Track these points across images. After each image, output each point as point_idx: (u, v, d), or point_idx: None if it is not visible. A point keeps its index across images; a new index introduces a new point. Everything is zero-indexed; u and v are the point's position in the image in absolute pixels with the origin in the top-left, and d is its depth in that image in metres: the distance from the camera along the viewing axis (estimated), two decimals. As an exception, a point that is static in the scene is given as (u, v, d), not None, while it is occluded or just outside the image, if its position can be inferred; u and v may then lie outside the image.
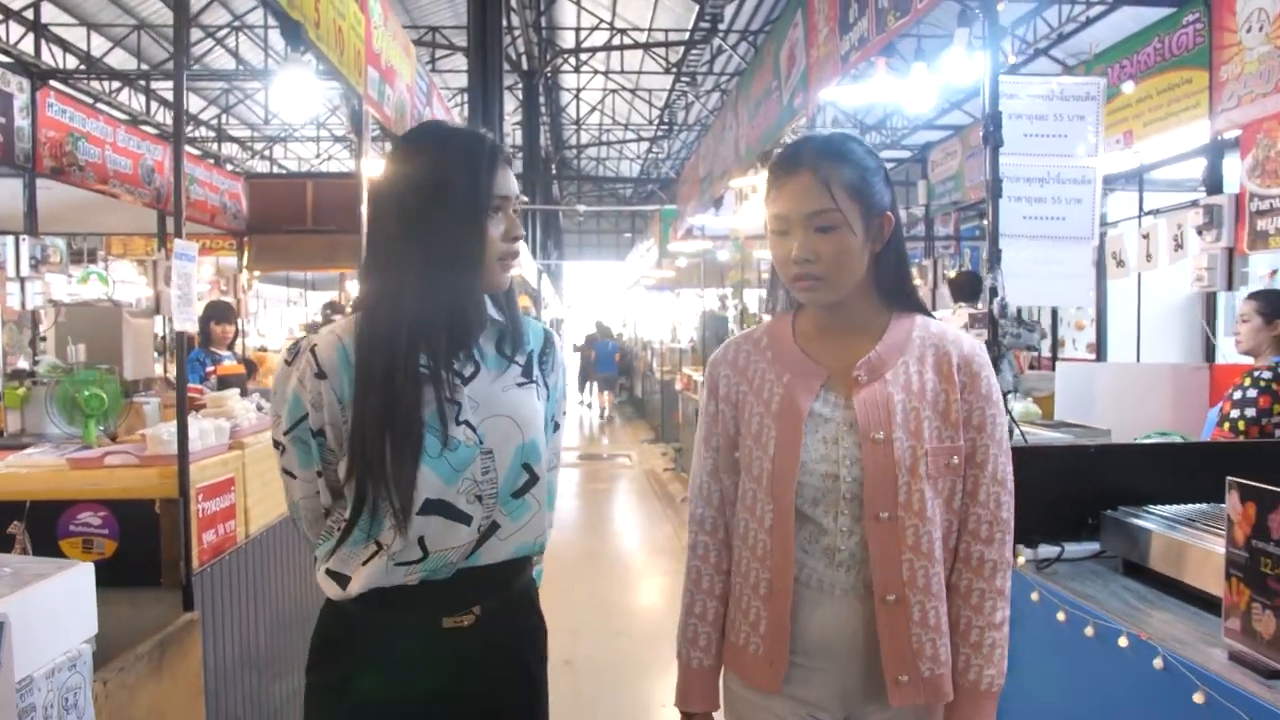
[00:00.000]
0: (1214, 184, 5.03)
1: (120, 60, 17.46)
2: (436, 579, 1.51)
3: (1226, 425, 3.48)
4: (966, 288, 6.54)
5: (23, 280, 5.82)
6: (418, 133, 1.60)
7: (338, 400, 1.48)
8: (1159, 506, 2.50)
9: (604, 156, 31.21)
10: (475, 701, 1.55)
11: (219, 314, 6.23)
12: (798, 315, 1.65)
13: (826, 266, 1.51)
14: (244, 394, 4.16)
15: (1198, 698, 1.76)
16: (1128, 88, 5.76)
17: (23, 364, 6.28)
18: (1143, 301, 9.71)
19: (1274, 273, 4.77)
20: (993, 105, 2.45)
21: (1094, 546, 2.55)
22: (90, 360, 6.30)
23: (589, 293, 36.37)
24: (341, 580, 1.51)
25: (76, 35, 16.08)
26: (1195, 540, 2.18)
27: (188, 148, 10.26)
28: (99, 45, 16.89)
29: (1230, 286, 4.74)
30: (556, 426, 1.73)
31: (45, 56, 14.57)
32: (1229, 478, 1.82)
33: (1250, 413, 3.41)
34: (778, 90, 5.13)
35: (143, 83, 17.60)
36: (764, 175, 5.78)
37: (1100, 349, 12.02)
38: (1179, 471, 2.66)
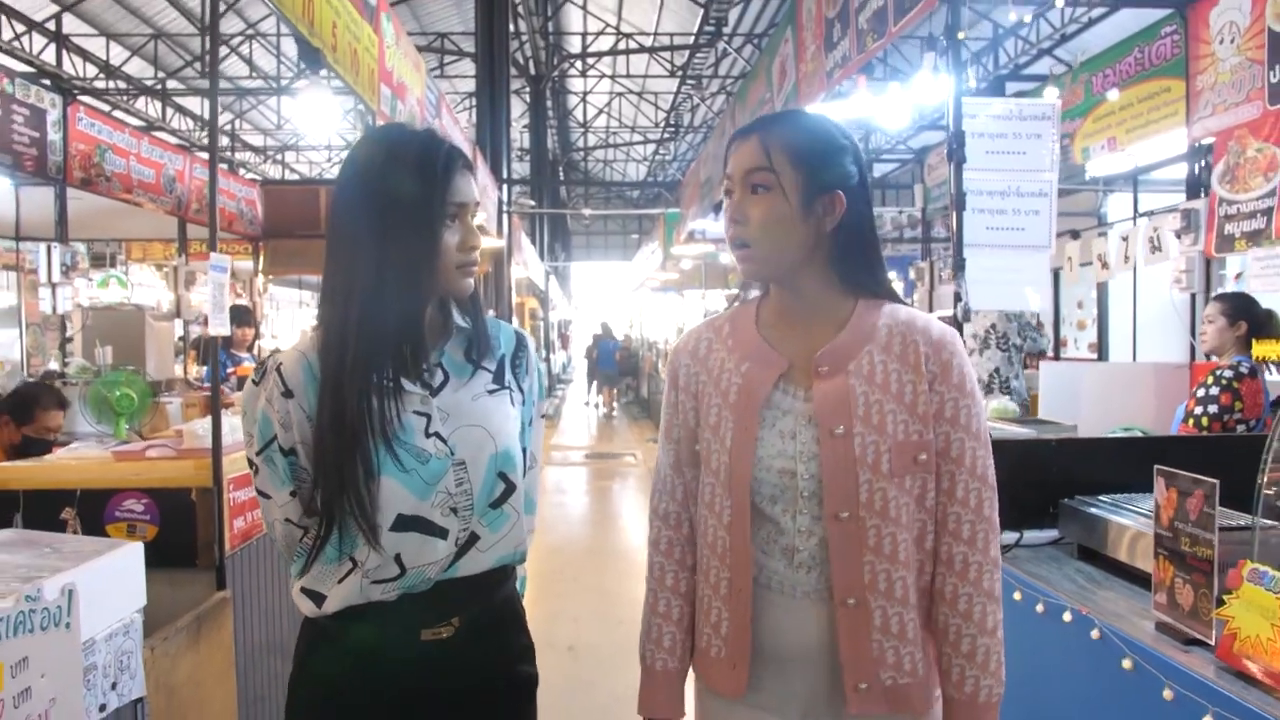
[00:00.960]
0: (1193, 189, 5.23)
1: (138, 69, 17.76)
2: (414, 592, 1.48)
3: (1191, 421, 3.68)
4: None
5: (54, 286, 6.07)
6: (373, 136, 1.55)
7: (307, 418, 1.45)
8: (1113, 495, 2.71)
9: (611, 159, 31.46)
10: (454, 714, 1.51)
11: (239, 317, 6.50)
12: (762, 302, 1.57)
13: (754, 230, 1.44)
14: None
15: (1126, 664, 1.97)
16: (1112, 95, 5.96)
17: (53, 365, 6.56)
18: (1147, 301, 9.86)
19: (1238, 275, 4.96)
20: (956, 125, 2.67)
21: (1053, 533, 2.77)
22: (115, 362, 6.58)
23: (597, 294, 36.57)
24: (317, 598, 1.48)
25: (96, 45, 16.38)
26: (1138, 525, 2.39)
27: (204, 154, 10.50)
28: (117, 54, 17.18)
29: (1207, 288, 4.94)
30: (533, 427, 1.67)
31: (66, 66, 14.88)
32: (1156, 466, 2.03)
33: (1213, 409, 3.61)
34: (770, 101, 5.35)
35: (159, 89, 17.92)
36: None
37: (1101, 348, 12.20)
38: (1133, 463, 2.86)
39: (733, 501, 1.46)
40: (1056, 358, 12.19)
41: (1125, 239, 5.82)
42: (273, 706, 2.99)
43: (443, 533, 1.46)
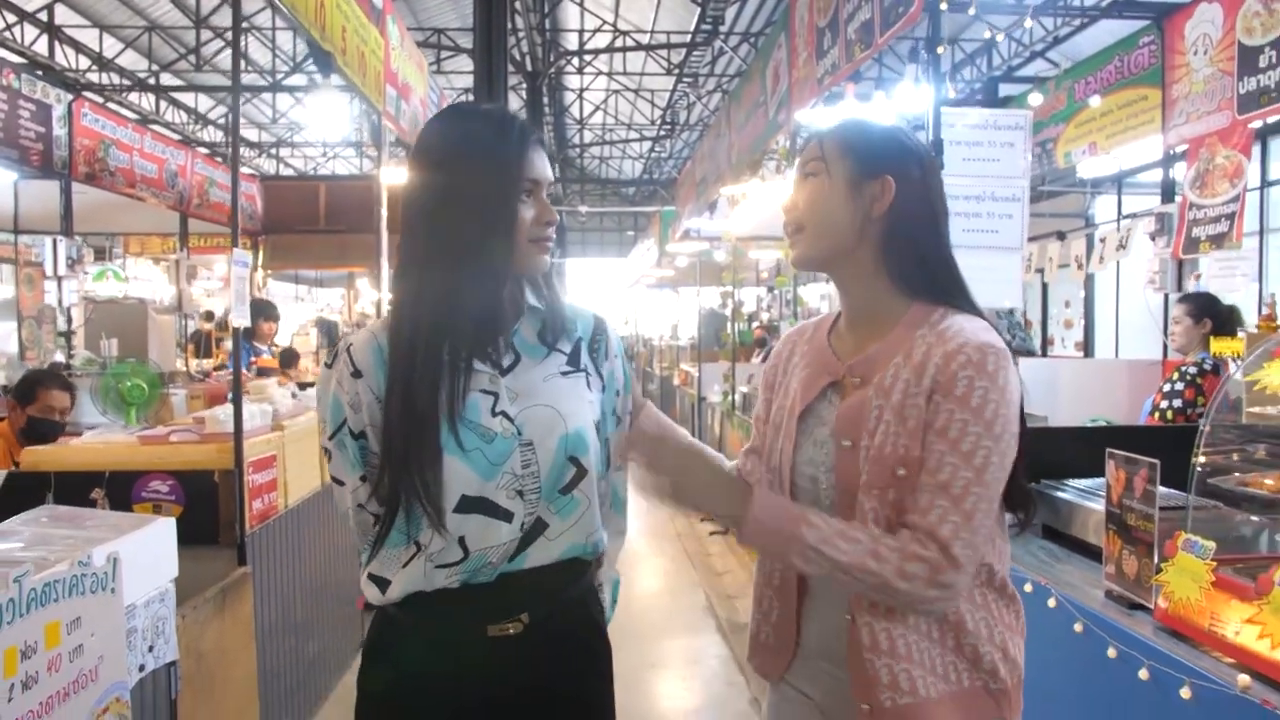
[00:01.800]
0: (1168, 194, 5.42)
1: (131, 60, 17.85)
2: (478, 582, 1.42)
3: (1156, 415, 3.88)
4: None
5: (60, 279, 6.22)
6: (445, 113, 1.55)
7: (376, 399, 1.42)
8: (1076, 480, 2.90)
9: (607, 156, 31.57)
10: (522, 716, 1.45)
11: (264, 311, 6.69)
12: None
13: (802, 212, 1.46)
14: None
15: (1078, 627, 2.17)
16: (1094, 102, 6.15)
17: (59, 357, 6.71)
18: (1132, 301, 10.10)
19: (1197, 276, 5.16)
20: (935, 134, 2.85)
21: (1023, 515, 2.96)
22: (120, 354, 6.74)
23: (592, 289, 36.75)
24: (382, 584, 1.45)
25: (88, 36, 16.47)
26: (1094, 506, 2.58)
27: (200, 149, 10.59)
28: (111, 46, 17.27)
29: (1179, 289, 5.13)
30: (619, 420, 1.59)
31: (59, 57, 14.99)
32: (1108, 450, 2.23)
33: (1177, 404, 3.81)
34: (764, 104, 5.53)
35: (154, 83, 18.04)
36: (753, 182, 6.18)
37: (1088, 346, 12.43)
38: (1098, 451, 3.05)
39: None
40: (1044, 355, 12.38)
41: (1103, 240, 6.02)
42: (289, 681, 3.17)
43: (507, 515, 1.41)
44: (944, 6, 2.81)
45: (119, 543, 2.03)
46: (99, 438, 3.05)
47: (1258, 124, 5.09)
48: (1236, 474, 2.20)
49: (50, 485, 2.70)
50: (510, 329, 1.48)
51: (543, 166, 1.46)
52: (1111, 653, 2.01)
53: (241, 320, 2.82)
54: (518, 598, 1.43)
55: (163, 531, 2.25)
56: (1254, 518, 2.19)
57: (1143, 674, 1.90)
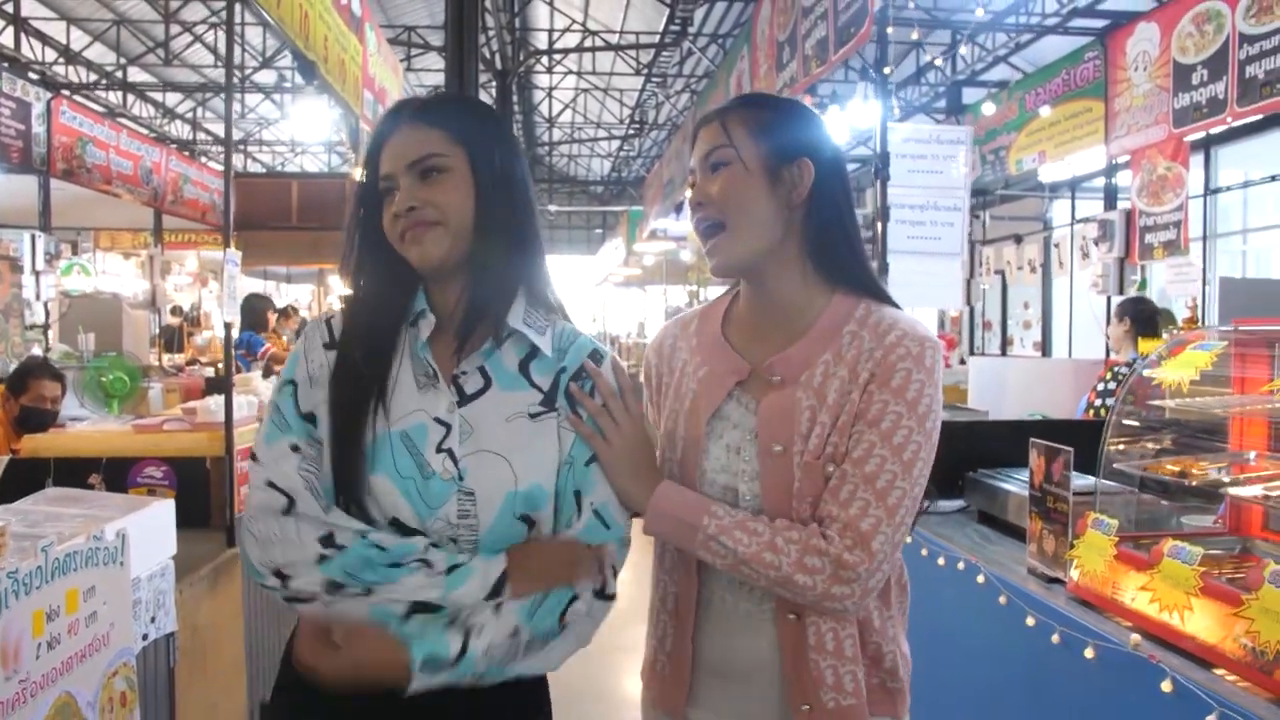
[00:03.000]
0: (1110, 201, 5.71)
1: (99, 54, 17.77)
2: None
3: (1090, 411, 4.15)
4: None
5: (38, 274, 6.31)
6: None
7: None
8: (1011, 470, 3.14)
9: (576, 154, 31.72)
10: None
11: (286, 311, 6.93)
12: (734, 299, 1.45)
13: (719, 206, 1.32)
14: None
15: (1002, 599, 2.40)
16: (1044, 111, 6.44)
17: (35, 351, 6.78)
18: (1091, 302, 10.45)
19: (1135, 283, 5.46)
20: (882, 148, 3.08)
21: (960, 502, 3.20)
22: (97, 349, 6.83)
23: (560, 287, 36.87)
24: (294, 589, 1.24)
25: (55, 29, 16.39)
26: (1022, 491, 2.82)
27: (169, 145, 10.63)
28: (78, 39, 17.19)
29: (1121, 292, 5.42)
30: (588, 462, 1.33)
31: (25, 50, 14.91)
32: (1031, 439, 2.46)
33: (1110, 401, 4.07)
34: (729, 112, 5.76)
35: (119, 75, 17.97)
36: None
37: (1045, 346, 12.80)
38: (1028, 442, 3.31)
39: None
40: (1003, 354, 12.72)
41: (1057, 246, 6.30)
42: (275, 657, 3.34)
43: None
44: (890, 31, 3.04)
45: (125, 520, 2.20)
46: (94, 426, 3.20)
47: (1200, 135, 5.39)
48: (1140, 460, 2.44)
49: (49, 470, 2.85)
50: (482, 351, 1.31)
51: (396, 153, 1.28)
52: (1030, 621, 2.24)
53: (232, 315, 2.98)
54: None
55: (163, 512, 2.42)
56: (1154, 498, 2.44)
57: (1055, 638, 2.13)
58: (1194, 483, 2.16)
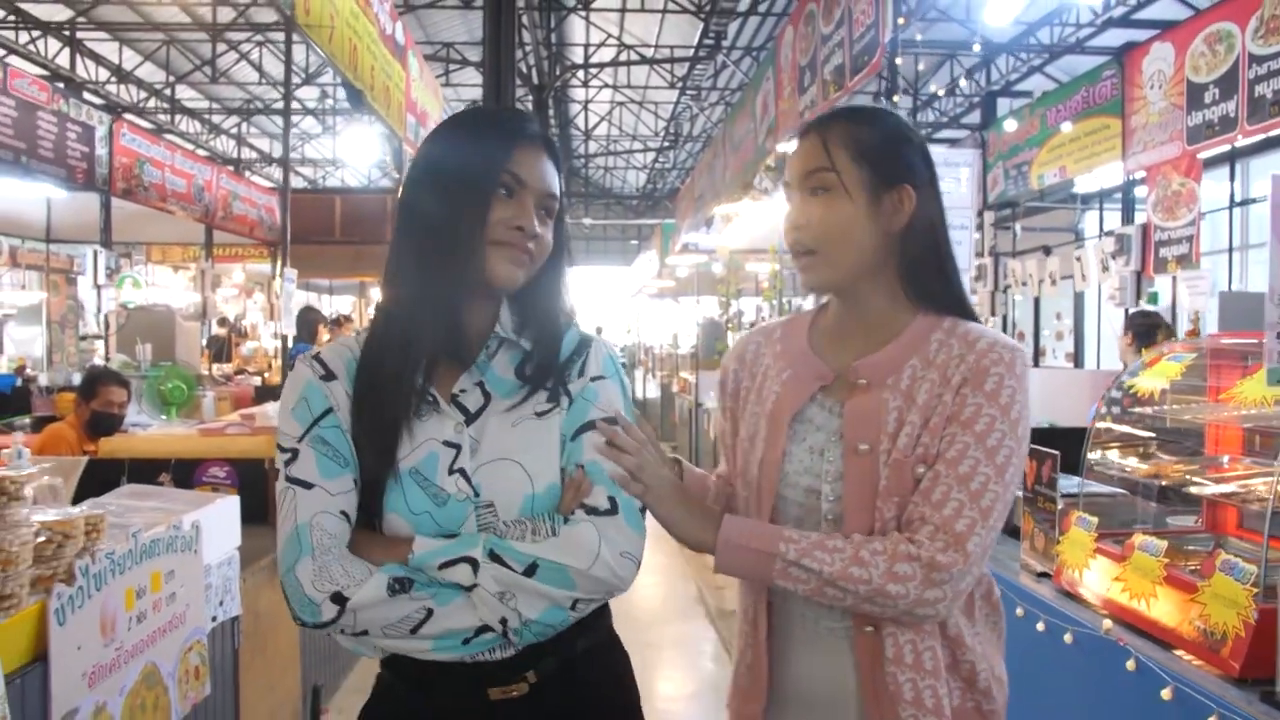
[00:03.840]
0: (1127, 215, 5.85)
1: (148, 72, 18.35)
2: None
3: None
4: None
5: (99, 288, 6.67)
6: (455, 115, 1.38)
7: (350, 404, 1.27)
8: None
9: (611, 166, 32.05)
10: None
11: (337, 319, 7.23)
12: (821, 311, 1.44)
13: (816, 234, 1.30)
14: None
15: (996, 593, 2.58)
16: (1065, 127, 6.58)
17: (97, 361, 7.15)
18: (1111, 314, 10.52)
19: (1150, 295, 5.60)
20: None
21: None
22: (154, 359, 7.18)
23: (597, 298, 37.20)
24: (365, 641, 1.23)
25: (108, 49, 16.96)
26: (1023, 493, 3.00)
27: (219, 163, 11.02)
28: (130, 58, 17.76)
29: (1138, 304, 5.56)
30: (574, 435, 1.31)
31: (79, 70, 15.47)
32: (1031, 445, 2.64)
33: (1115, 410, 4.23)
34: (754, 131, 5.97)
35: (168, 93, 18.55)
36: (745, 202, 6.61)
37: (1078, 357, 12.85)
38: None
39: (759, 517, 1.34)
40: (1035, 365, 12.79)
41: (1079, 259, 6.44)
42: (327, 644, 3.59)
43: (462, 587, 1.20)
44: (899, 62, 3.23)
45: (198, 513, 2.46)
46: (162, 430, 3.48)
47: (1225, 148, 5.52)
48: (1123, 463, 2.62)
49: (124, 470, 3.13)
50: (480, 365, 1.30)
51: (533, 166, 1.27)
52: (1020, 611, 2.43)
53: (288, 328, 3.24)
54: (519, 653, 1.24)
55: (229, 507, 2.68)
56: (1145, 501, 2.61)
57: (1040, 626, 2.32)
58: (1165, 483, 2.34)
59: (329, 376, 1.27)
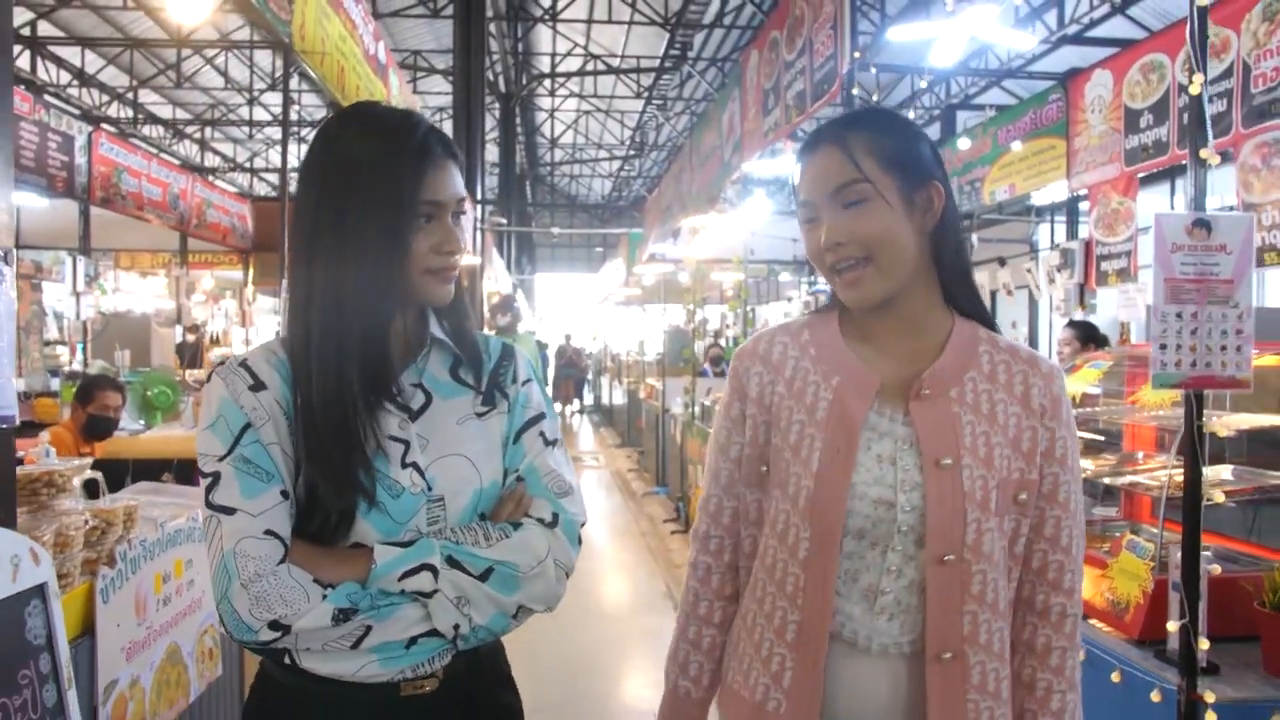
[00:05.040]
0: (1072, 231, 6.20)
1: (111, 76, 18.28)
2: None
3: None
4: None
5: (78, 295, 6.79)
6: (342, 115, 1.33)
7: (285, 415, 1.24)
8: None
9: (578, 174, 32.27)
10: None
11: None
12: (844, 314, 1.37)
13: (863, 246, 1.25)
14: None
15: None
16: (1015, 146, 6.93)
17: (76, 367, 7.26)
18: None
19: (1093, 307, 5.98)
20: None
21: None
22: (131, 364, 7.31)
23: (563, 305, 37.34)
24: (280, 627, 1.19)
25: (68, 52, 16.87)
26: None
27: (194, 173, 11.14)
28: (92, 61, 17.68)
29: (1081, 314, 5.90)
30: (552, 444, 1.38)
31: (40, 72, 15.43)
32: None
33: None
34: (720, 148, 6.25)
35: (131, 97, 18.52)
36: (711, 215, 6.89)
37: (1032, 364, 13.28)
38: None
39: (814, 532, 1.26)
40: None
41: (1029, 270, 6.79)
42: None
43: None
44: (855, 92, 3.51)
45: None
46: (162, 432, 3.67)
47: (1167, 166, 5.87)
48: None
49: (129, 470, 3.31)
50: (410, 365, 1.32)
51: (445, 184, 1.26)
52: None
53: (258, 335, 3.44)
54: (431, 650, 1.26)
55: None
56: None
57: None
58: (1085, 477, 2.62)
59: (258, 386, 1.24)
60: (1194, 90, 1.93)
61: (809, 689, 1.27)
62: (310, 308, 1.24)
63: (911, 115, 16.88)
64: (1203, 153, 1.90)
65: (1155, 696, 1.84)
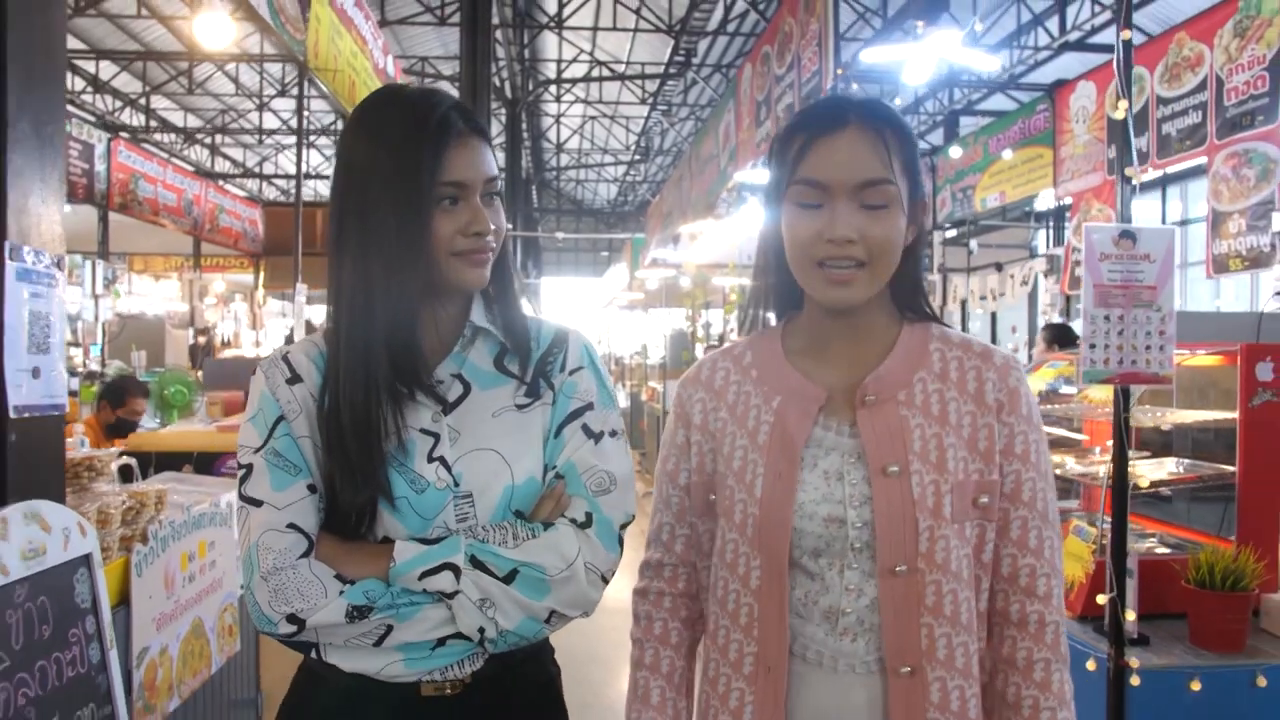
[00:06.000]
0: (1059, 237, 6.39)
1: (124, 82, 18.55)
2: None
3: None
4: None
5: (97, 298, 7.01)
6: (368, 100, 1.29)
7: (317, 406, 1.24)
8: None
9: (583, 179, 32.51)
10: None
11: None
12: (787, 328, 1.33)
13: (872, 252, 1.18)
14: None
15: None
16: (1006, 155, 7.12)
17: (94, 367, 7.48)
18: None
19: (1068, 311, 6.17)
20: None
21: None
22: (147, 365, 7.53)
23: (567, 309, 37.52)
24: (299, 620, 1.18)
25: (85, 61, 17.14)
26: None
27: (208, 179, 11.37)
28: (106, 68, 17.93)
29: (1068, 319, 6.08)
30: (597, 436, 1.30)
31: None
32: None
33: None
34: (717, 156, 6.45)
35: (143, 103, 18.78)
36: (708, 221, 7.07)
37: (1031, 368, 13.43)
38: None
39: (764, 559, 1.21)
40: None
41: (1012, 277, 6.98)
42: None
43: None
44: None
45: (230, 495, 2.86)
46: (182, 427, 3.87)
47: (1158, 174, 6.06)
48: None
49: (152, 461, 3.52)
50: (456, 356, 1.29)
51: (469, 163, 1.22)
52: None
53: (269, 338, 3.64)
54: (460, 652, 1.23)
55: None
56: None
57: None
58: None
59: (294, 379, 1.25)
60: (1118, 116, 2.11)
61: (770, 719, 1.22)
62: (340, 297, 1.24)
63: (915, 120, 17.09)
64: (1128, 171, 2.08)
65: (1090, 665, 2.02)
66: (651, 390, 11.48)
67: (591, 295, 28.69)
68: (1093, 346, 1.91)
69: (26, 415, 1.77)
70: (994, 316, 14.14)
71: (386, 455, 1.21)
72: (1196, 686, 1.91)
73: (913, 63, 4.33)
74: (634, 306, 16.48)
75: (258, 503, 1.19)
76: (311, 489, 1.21)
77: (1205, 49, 4.70)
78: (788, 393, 1.26)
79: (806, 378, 1.26)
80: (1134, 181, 2.09)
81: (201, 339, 12.95)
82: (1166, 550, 2.30)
